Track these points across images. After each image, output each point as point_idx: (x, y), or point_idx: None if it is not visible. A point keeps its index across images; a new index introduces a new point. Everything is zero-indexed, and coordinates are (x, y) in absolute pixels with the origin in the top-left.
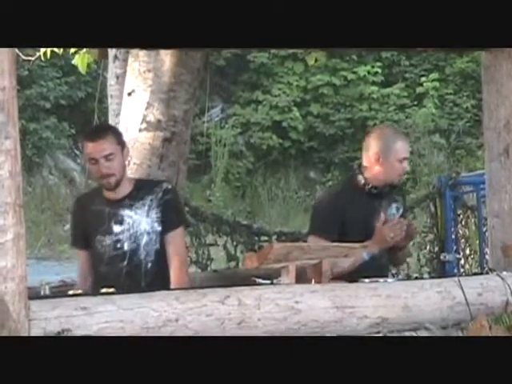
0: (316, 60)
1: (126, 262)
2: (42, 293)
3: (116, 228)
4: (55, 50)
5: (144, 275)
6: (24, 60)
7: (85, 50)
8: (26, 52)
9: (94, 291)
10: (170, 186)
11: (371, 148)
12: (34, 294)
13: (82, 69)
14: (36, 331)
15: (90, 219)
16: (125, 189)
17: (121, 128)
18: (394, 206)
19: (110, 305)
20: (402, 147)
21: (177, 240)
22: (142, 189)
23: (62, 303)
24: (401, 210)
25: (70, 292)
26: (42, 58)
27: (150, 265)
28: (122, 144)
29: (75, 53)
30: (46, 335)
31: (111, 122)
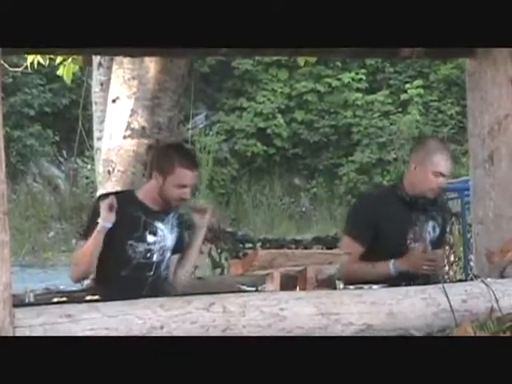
0: (306, 61)
1: (152, 272)
2: (27, 300)
3: (150, 238)
4: (41, 60)
5: (162, 286)
6: (10, 71)
7: (70, 60)
8: (13, 63)
9: (107, 291)
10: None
11: (413, 156)
12: (18, 302)
13: (67, 79)
14: None
15: (123, 222)
16: (161, 203)
17: (105, 135)
18: (430, 223)
19: (94, 312)
20: (439, 161)
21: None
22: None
23: (46, 310)
24: (437, 231)
25: (55, 299)
26: (29, 69)
27: (165, 278)
28: None
29: (60, 63)
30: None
31: (96, 129)
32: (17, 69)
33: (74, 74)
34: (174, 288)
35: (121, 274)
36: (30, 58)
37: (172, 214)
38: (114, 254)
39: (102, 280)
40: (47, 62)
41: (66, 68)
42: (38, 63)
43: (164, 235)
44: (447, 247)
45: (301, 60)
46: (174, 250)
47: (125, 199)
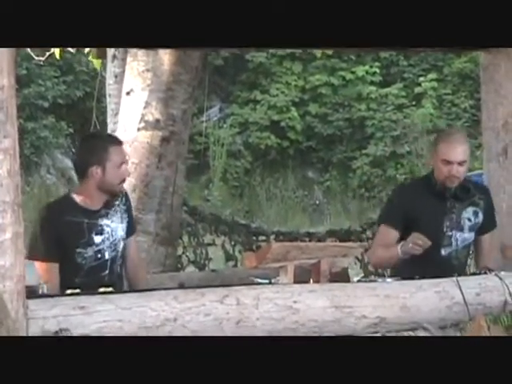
0: (323, 53)
1: (107, 271)
2: (40, 292)
3: (97, 239)
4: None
5: (119, 279)
6: (35, 59)
7: None
8: (37, 52)
9: None
10: (125, 190)
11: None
12: (32, 293)
13: (97, 65)
14: (34, 330)
15: (66, 231)
16: (102, 198)
17: (119, 127)
18: (470, 209)
19: (108, 304)
20: (443, 148)
21: (135, 242)
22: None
23: (60, 302)
24: (480, 216)
25: (68, 291)
26: (58, 57)
27: (121, 269)
28: None
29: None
30: (44, 334)
31: (110, 121)
32: (41, 58)
33: (103, 62)
34: (131, 278)
35: (75, 282)
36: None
37: (117, 203)
38: (64, 265)
39: (63, 288)
40: (74, 50)
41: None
42: (62, 51)
43: (112, 229)
44: None
45: (317, 52)
46: (127, 234)
47: (64, 207)
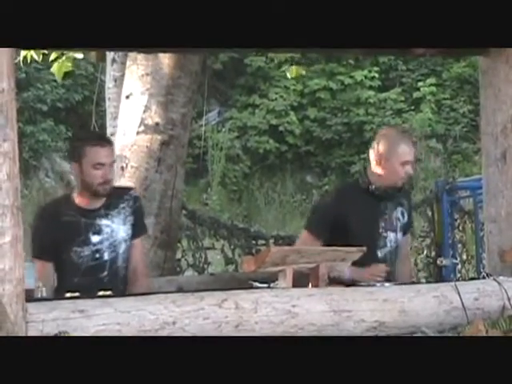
0: (296, 73)
1: (106, 272)
2: (39, 295)
3: (94, 238)
4: (35, 55)
5: (121, 282)
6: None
7: (64, 58)
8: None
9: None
10: (137, 194)
11: (376, 149)
12: (31, 297)
13: (58, 76)
14: (33, 333)
15: (62, 230)
16: (99, 199)
17: (119, 131)
18: (399, 209)
19: (107, 307)
20: (404, 150)
21: (141, 245)
22: (114, 197)
23: (59, 305)
24: (405, 216)
25: (68, 294)
26: (21, 64)
27: (124, 271)
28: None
29: (54, 60)
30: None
31: (109, 125)
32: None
33: (66, 73)
34: (137, 280)
35: (74, 282)
36: (23, 52)
37: (123, 205)
38: (62, 265)
39: (62, 289)
40: (40, 57)
41: (59, 66)
42: (31, 58)
43: (112, 230)
44: (460, 245)
45: (291, 73)
46: (134, 235)
47: (60, 207)
